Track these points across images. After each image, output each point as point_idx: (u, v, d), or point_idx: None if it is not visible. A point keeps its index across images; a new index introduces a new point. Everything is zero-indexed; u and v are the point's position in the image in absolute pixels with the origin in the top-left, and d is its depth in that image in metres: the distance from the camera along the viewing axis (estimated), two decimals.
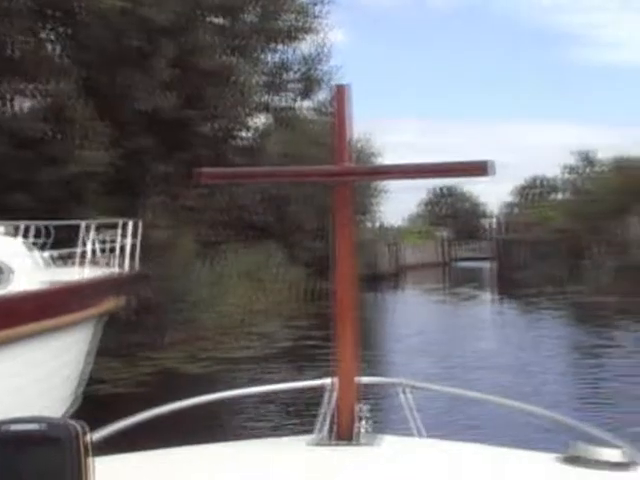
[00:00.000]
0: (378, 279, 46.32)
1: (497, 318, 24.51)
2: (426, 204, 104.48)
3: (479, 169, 1.79)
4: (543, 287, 31.77)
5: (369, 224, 46.63)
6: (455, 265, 69.18)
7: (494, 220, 49.16)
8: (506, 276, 43.62)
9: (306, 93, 20.93)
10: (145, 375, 14.80)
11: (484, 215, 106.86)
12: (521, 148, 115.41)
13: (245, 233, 29.90)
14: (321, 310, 27.08)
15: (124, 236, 11.96)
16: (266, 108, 20.70)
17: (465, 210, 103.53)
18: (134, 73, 17.12)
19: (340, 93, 1.94)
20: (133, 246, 12.01)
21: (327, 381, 2.15)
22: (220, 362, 15.83)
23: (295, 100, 20.69)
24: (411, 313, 27.59)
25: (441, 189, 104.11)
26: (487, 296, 35.71)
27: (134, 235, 11.99)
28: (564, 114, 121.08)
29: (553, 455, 1.68)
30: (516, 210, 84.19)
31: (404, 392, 2.38)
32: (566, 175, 42.11)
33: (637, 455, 1.71)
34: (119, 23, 17.18)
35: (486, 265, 70.82)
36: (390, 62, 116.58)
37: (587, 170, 40.55)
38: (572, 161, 41.29)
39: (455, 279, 52.63)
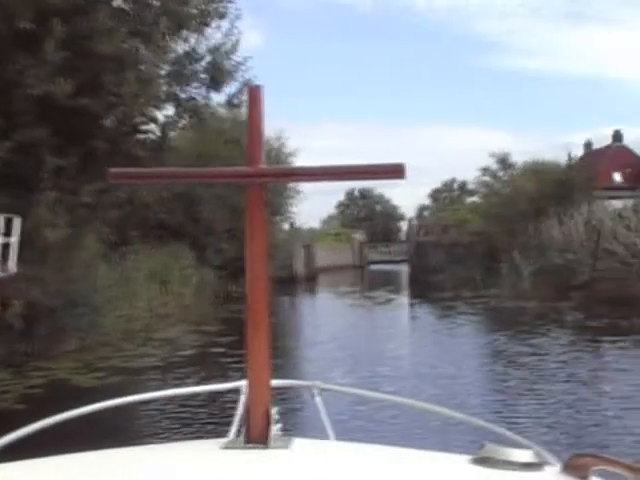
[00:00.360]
0: (293, 282, 45.28)
1: (413, 324, 23.30)
2: (340, 206, 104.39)
3: (393, 172, 1.73)
4: (459, 291, 31.10)
5: (284, 225, 45.55)
6: (370, 268, 68.78)
7: (410, 222, 48.37)
8: (421, 279, 43.01)
9: (216, 85, 19.53)
10: (31, 388, 13.26)
11: (399, 218, 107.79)
12: (438, 152, 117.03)
13: (154, 233, 28.46)
14: (231, 314, 25.81)
15: (7, 234, 10.53)
16: (174, 99, 19.23)
17: (380, 213, 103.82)
18: (25, 58, 15.64)
19: (253, 94, 1.86)
20: (6, 245, 10.55)
21: (241, 383, 2.16)
22: (118, 372, 14.34)
23: (205, 93, 19.31)
24: (325, 318, 26.49)
25: (357, 191, 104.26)
26: (402, 300, 34.86)
27: (9, 234, 10.50)
28: (480, 119, 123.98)
29: (465, 456, 1.63)
30: (432, 213, 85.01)
31: (316, 394, 2.40)
32: (483, 178, 41.58)
33: (546, 455, 1.78)
34: (9, 3, 15.70)
35: (401, 268, 70.76)
36: (308, 65, 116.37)
37: (503, 173, 40.10)
38: (490, 164, 40.70)
39: (370, 282, 51.89)
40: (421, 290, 38.78)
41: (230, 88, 20.49)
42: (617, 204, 32.05)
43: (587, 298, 22.62)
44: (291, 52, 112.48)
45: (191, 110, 19.85)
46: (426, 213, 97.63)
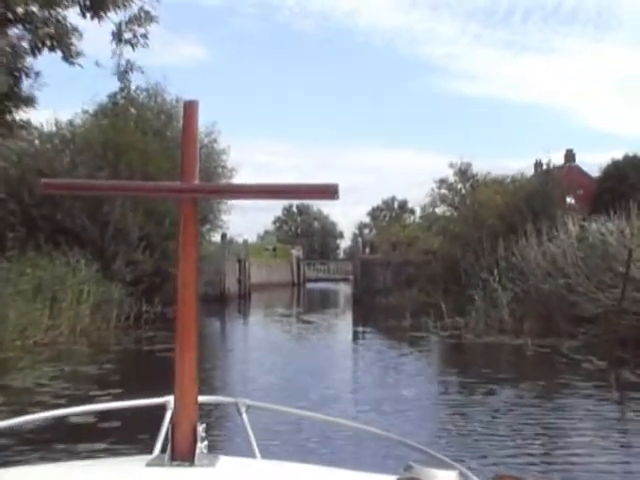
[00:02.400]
0: (222, 300, 39.24)
1: (364, 368, 16.44)
2: (277, 221, 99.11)
3: (327, 192, 1.66)
4: (418, 318, 25.53)
5: (214, 236, 39.29)
6: (308, 286, 63.15)
7: (355, 238, 42.69)
8: (367, 301, 37.42)
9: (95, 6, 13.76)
10: None
11: (338, 235, 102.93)
12: (375, 171, 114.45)
13: (51, 238, 22.28)
14: (136, 345, 19.58)
15: None
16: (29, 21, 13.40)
17: (318, 229, 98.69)
18: None
19: (188, 109, 1.84)
20: None
21: (167, 399, 2.09)
22: None
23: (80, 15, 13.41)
24: (259, 348, 20.60)
25: (295, 207, 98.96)
26: (345, 325, 28.98)
27: None
28: (419, 141, 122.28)
29: (390, 477, 1.59)
30: (378, 229, 79.90)
31: (242, 412, 2.35)
32: (439, 191, 36.15)
33: (470, 476, 1.76)
34: None
35: (340, 287, 65.44)
36: (249, 82, 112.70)
37: (461, 186, 34.74)
38: (447, 175, 35.32)
39: (309, 303, 45.90)
40: (367, 314, 33.10)
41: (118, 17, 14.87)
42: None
43: (599, 336, 17.11)
44: (234, 68, 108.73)
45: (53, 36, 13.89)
46: (366, 231, 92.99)
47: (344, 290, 60.70)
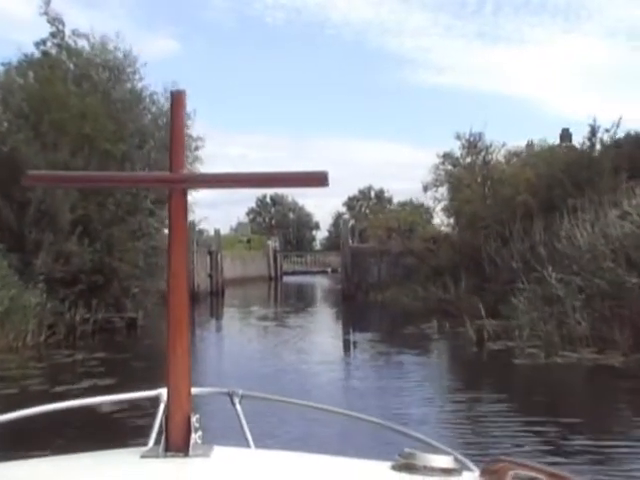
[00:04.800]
0: (193, 299, 32.57)
1: (370, 399, 9.65)
2: (251, 213, 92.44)
3: (317, 180, 1.59)
4: (425, 321, 19.11)
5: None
6: (285, 280, 56.51)
7: (344, 224, 35.96)
8: (359, 298, 30.90)
9: None
10: None
11: (314, 226, 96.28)
12: (348, 162, 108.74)
13: None
14: (53, 381, 12.91)
15: None
16: None
17: (293, 220, 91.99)
18: None
19: (176, 100, 1.71)
20: None
21: (160, 391, 2.03)
22: None
23: None
24: (235, 366, 14.08)
25: (269, 198, 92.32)
26: (337, 332, 22.24)
27: None
28: (391, 132, 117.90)
29: (385, 463, 1.55)
30: (351, 220, 73.61)
31: (235, 402, 2.26)
32: (444, 167, 29.56)
33: (465, 461, 1.69)
34: None
35: (317, 280, 58.97)
36: (221, 75, 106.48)
37: (472, 159, 28.21)
38: (454, 148, 28.76)
39: (288, 300, 39.07)
40: (361, 315, 26.55)
41: None
42: None
43: None
44: (206, 61, 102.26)
45: None
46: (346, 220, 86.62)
47: (324, 284, 54.34)
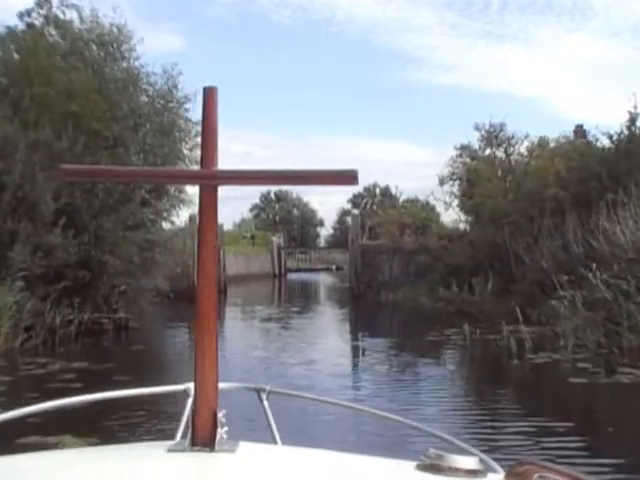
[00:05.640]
0: (193, 298, 30.30)
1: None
2: (254, 209, 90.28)
3: (347, 178, 1.58)
4: (451, 324, 16.93)
5: (176, 217, 29.80)
6: (289, 278, 54.32)
7: (354, 219, 33.65)
8: (370, 298, 28.66)
9: None
10: None
11: (318, 223, 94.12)
12: (352, 161, 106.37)
13: None
14: (38, 384, 10.58)
15: None
16: None
17: (298, 217, 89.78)
18: None
19: (209, 95, 1.70)
20: None
21: (188, 385, 2.03)
22: None
23: None
24: (236, 377, 12.04)
25: (273, 194, 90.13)
26: (348, 337, 19.91)
27: None
28: (396, 131, 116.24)
29: (409, 463, 1.49)
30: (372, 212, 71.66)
31: (263, 399, 2.25)
32: (461, 159, 27.35)
33: (490, 462, 1.67)
34: None
35: (322, 278, 56.85)
36: (229, 72, 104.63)
37: (491, 151, 26.00)
38: (471, 140, 26.53)
39: (293, 299, 36.80)
40: (372, 316, 24.39)
41: None
42: None
43: None
44: (210, 58, 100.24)
45: None
46: (348, 218, 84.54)
47: (329, 281, 52.17)
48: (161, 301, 20.11)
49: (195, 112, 21.71)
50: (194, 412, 1.55)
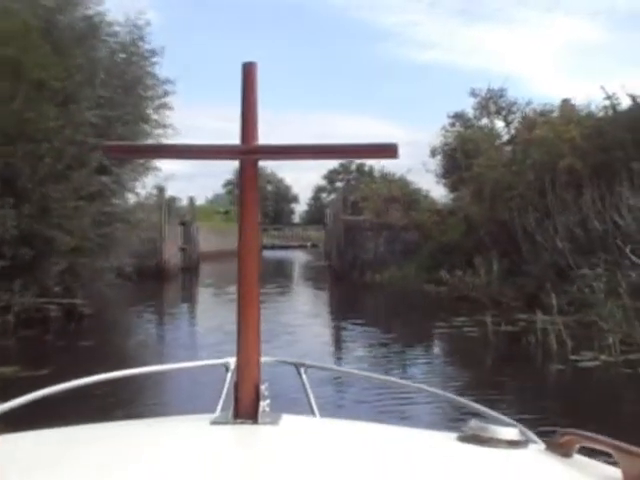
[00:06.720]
0: (162, 275, 27.48)
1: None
2: (228, 185, 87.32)
3: (388, 151, 1.53)
4: (455, 311, 14.36)
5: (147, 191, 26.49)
6: (264, 255, 51.53)
7: (341, 194, 30.77)
8: (355, 279, 25.96)
9: None
10: None
11: (292, 199, 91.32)
12: (328, 137, 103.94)
13: None
14: None
15: None
16: None
17: (272, 193, 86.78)
18: None
19: (248, 71, 1.68)
20: None
21: (229, 360, 2.07)
22: None
23: None
24: (200, 385, 9.33)
25: None
26: (334, 326, 16.98)
27: None
28: (371, 107, 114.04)
29: (450, 434, 1.48)
30: (331, 194, 69.10)
31: (301, 373, 2.28)
32: (453, 129, 24.61)
33: (529, 433, 1.62)
34: None
35: (297, 255, 54.29)
36: (203, 49, 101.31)
37: (488, 121, 23.30)
38: (465, 107, 23.79)
39: (269, 278, 33.91)
40: (357, 300, 21.73)
41: None
42: None
43: None
44: (186, 33, 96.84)
45: None
46: (324, 195, 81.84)
47: (305, 259, 49.62)
48: (124, 282, 17.32)
49: (163, 68, 18.82)
50: (236, 385, 1.52)
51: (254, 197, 1.59)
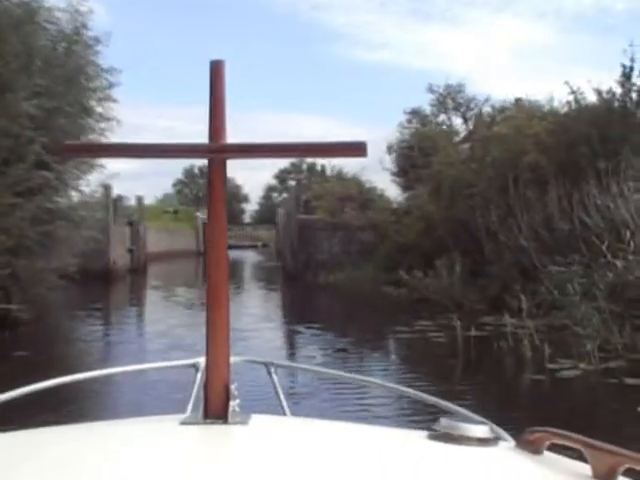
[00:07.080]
0: (107, 278, 26.24)
1: None
2: (178, 184, 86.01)
3: (357, 149, 1.53)
4: (416, 314, 13.59)
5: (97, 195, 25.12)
6: None
7: (292, 191, 29.92)
8: (308, 280, 25.10)
9: None
10: None
11: (243, 199, 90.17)
12: (281, 137, 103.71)
13: None
14: None
15: None
16: None
17: None
18: None
19: (216, 69, 1.65)
20: None
21: (199, 360, 2.04)
22: None
23: None
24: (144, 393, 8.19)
25: (197, 169, 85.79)
26: (290, 330, 15.86)
27: None
28: (324, 107, 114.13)
29: (421, 432, 1.46)
30: (282, 193, 68.30)
31: (272, 372, 2.24)
32: (409, 125, 23.89)
33: (500, 431, 1.60)
34: None
35: (251, 255, 53.28)
36: (152, 46, 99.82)
37: (445, 117, 22.65)
38: (423, 106, 23.09)
39: None
40: (311, 302, 20.91)
41: None
42: None
43: None
44: (135, 30, 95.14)
45: None
46: (275, 194, 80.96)
47: (256, 259, 48.68)
48: (67, 284, 16.22)
49: (107, 57, 17.72)
50: (206, 385, 1.52)
51: (222, 196, 1.57)
